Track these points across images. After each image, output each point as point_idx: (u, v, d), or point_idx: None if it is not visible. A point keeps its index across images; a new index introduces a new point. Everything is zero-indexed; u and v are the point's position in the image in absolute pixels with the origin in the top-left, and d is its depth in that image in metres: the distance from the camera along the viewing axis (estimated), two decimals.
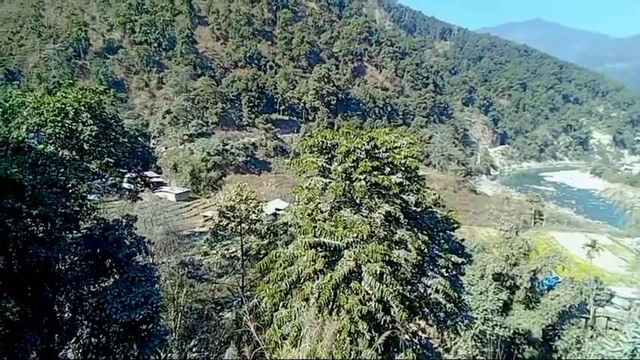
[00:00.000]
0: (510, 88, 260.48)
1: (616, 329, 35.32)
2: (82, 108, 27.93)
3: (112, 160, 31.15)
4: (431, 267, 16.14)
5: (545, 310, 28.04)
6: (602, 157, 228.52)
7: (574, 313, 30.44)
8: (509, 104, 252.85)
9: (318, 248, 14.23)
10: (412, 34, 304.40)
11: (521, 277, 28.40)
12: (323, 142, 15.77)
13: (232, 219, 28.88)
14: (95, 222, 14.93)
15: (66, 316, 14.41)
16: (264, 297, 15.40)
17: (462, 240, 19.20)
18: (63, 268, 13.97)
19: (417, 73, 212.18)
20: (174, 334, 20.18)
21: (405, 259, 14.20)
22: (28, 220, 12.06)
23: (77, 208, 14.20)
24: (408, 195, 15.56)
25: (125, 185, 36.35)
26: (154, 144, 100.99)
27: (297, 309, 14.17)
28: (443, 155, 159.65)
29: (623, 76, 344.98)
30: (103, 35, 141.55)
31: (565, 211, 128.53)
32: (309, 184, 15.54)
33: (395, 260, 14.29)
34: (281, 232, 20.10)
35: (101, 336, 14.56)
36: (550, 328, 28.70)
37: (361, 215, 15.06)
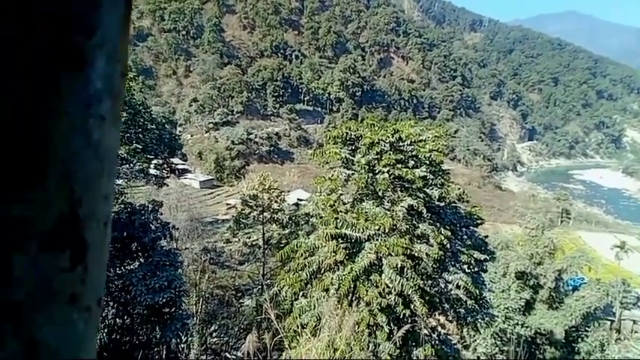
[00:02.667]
0: (541, 82, 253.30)
1: None
2: None
3: (140, 146, 31.74)
4: (452, 262, 16.00)
5: (569, 311, 27.47)
6: (636, 155, 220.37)
7: (599, 315, 29.75)
8: (540, 99, 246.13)
9: (340, 239, 14.27)
10: (441, 25, 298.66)
11: (545, 276, 27.87)
12: (347, 133, 15.73)
13: (255, 208, 29.18)
14: (123, 206, 15.32)
15: None
16: (284, 286, 15.57)
17: (486, 236, 18.93)
18: None
19: (445, 65, 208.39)
20: (195, 319, 20.65)
21: (427, 254, 14.11)
22: None
23: None
24: (432, 189, 15.41)
25: (152, 171, 37.05)
26: (180, 131, 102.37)
27: (317, 299, 14.28)
28: (468, 150, 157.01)
29: None
30: (133, 22, 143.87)
31: (594, 211, 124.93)
32: (332, 175, 15.56)
33: (416, 254, 14.22)
34: (302, 222, 20.23)
35: (126, 317, 14.99)
36: (573, 329, 28.13)
37: (383, 208, 15.01)
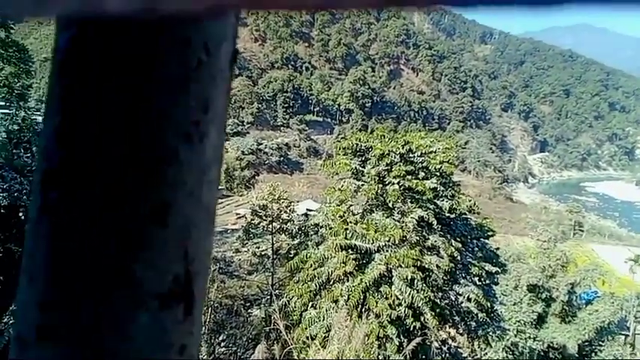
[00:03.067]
0: (553, 94, 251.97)
1: None
2: None
3: None
4: (463, 275, 15.87)
5: (583, 325, 27.00)
6: None
7: (613, 330, 29.20)
8: (551, 111, 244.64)
9: (349, 250, 14.25)
10: (451, 37, 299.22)
11: (558, 289, 27.47)
12: (357, 144, 15.79)
13: (264, 218, 29.24)
14: None
15: None
16: (293, 296, 15.54)
17: (497, 249, 18.79)
18: None
19: (455, 77, 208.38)
20: (203, 328, 20.66)
21: (437, 266, 14.03)
22: None
23: None
24: (442, 201, 15.37)
25: None
26: None
27: (326, 310, 14.23)
28: (479, 161, 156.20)
29: None
30: None
31: (607, 223, 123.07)
32: (342, 186, 15.60)
33: (426, 266, 14.14)
34: (312, 232, 20.23)
35: None
36: (587, 343, 27.61)
37: (393, 219, 14.98)
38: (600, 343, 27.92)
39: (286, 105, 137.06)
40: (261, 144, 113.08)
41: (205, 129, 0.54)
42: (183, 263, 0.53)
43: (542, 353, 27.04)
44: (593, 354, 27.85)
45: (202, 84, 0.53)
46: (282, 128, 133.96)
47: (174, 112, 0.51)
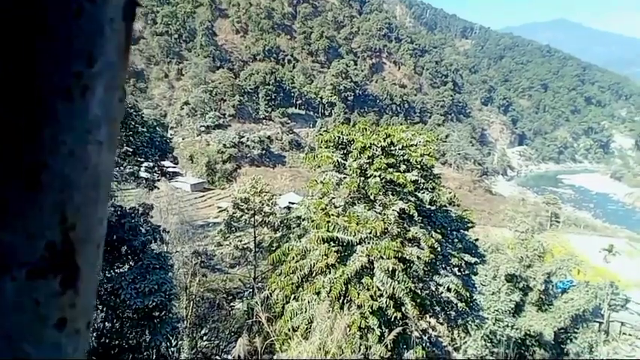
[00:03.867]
0: (531, 88, 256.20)
1: (630, 334, 34.77)
2: None
3: (131, 149, 31.61)
4: (443, 265, 16.11)
5: (558, 313, 27.72)
6: (623, 161, 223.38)
7: (587, 317, 30.04)
8: (530, 105, 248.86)
9: (331, 243, 14.31)
10: (433, 31, 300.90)
11: (534, 279, 28.11)
12: (339, 137, 15.81)
13: (246, 211, 29.12)
14: (112, 209, 15.21)
15: None
16: (275, 289, 15.57)
17: (476, 240, 19.10)
18: None
19: (437, 71, 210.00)
20: (186, 322, 20.53)
21: (418, 257, 14.20)
22: None
23: None
24: (423, 193, 15.53)
25: (142, 174, 36.84)
26: (171, 134, 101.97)
27: (309, 302, 14.30)
28: (459, 154, 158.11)
29: None
30: None
31: (583, 215, 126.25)
32: (324, 179, 15.61)
33: (407, 257, 14.30)
34: (294, 225, 20.23)
35: (115, 321, 14.87)
36: (562, 331, 28.38)
37: (375, 212, 15.08)
38: (575, 330, 28.71)
39: (268, 98, 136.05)
40: (243, 137, 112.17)
41: (89, 84, 0.49)
42: (60, 229, 0.49)
43: (519, 341, 27.67)
44: (568, 341, 28.63)
45: (84, 34, 0.48)
46: (264, 121, 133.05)
47: (51, 64, 0.46)
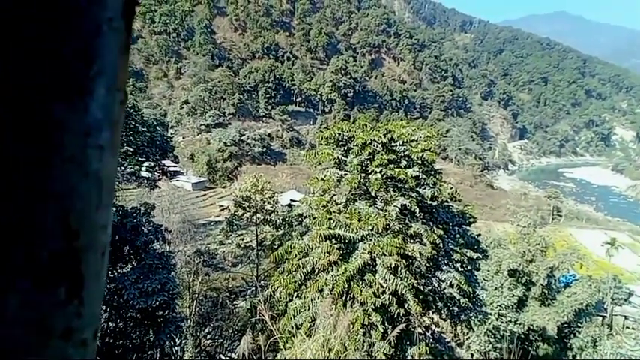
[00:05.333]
0: (531, 82, 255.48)
1: (633, 328, 34.76)
2: None
3: (131, 149, 31.68)
4: (445, 261, 16.08)
5: (561, 308, 27.72)
6: (625, 153, 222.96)
7: (590, 311, 30.02)
8: (530, 98, 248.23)
9: (333, 240, 14.30)
10: (432, 26, 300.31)
11: (537, 273, 28.10)
12: (339, 134, 15.78)
13: (248, 209, 29.16)
14: (114, 209, 15.17)
15: None
16: (278, 287, 15.56)
17: (478, 235, 19.06)
18: None
19: (436, 65, 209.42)
20: (189, 321, 20.57)
21: (420, 253, 14.18)
22: None
23: None
24: (424, 189, 15.50)
25: (143, 174, 36.94)
26: (171, 133, 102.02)
27: (311, 300, 14.30)
28: (460, 149, 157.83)
29: None
30: None
31: (584, 208, 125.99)
32: (325, 176, 15.59)
33: (410, 254, 14.28)
34: (296, 223, 20.24)
35: (118, 321, 14.89)
36: (565, 325, 28.38)
37: (376, 208, 15.06)
38: (578, 324, 28.70)
39: (268, 95, 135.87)
40: (244, 135, 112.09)
41: (88, 85, 0.47)
42: (63, 237, 0.47)
43: (522, 336, 27.68)
44: (571, 335, 28.62)
45: (82, 33, 0.46)
46: (264, 119, 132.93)
47: (46, 64, 0.44)
